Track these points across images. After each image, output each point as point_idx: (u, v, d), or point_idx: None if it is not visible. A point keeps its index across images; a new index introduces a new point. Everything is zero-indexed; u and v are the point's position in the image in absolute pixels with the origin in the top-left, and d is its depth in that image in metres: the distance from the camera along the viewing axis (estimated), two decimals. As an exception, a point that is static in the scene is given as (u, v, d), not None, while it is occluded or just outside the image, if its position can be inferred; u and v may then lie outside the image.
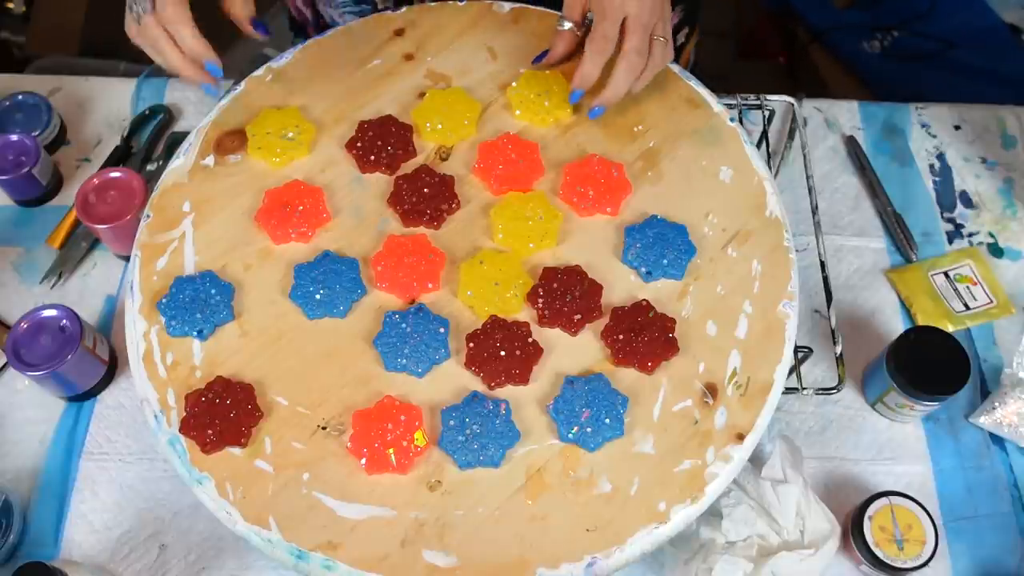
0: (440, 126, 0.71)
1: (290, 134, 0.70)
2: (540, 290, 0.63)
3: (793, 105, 0.85)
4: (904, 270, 0.85)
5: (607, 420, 0.59)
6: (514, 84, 0.72)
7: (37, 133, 0.88)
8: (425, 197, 0.67)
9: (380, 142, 0.69)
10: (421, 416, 0.60)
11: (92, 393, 0.77)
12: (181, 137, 0.91)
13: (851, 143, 0.93)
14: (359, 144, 0.70)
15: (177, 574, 0.70)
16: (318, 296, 0.63)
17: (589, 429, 0.59)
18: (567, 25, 0.71)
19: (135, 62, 1.17)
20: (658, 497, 0.58)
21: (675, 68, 0.74)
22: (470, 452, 0.58)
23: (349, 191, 0.69)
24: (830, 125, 0.94)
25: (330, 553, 0.56)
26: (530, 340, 0.62)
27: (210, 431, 0.59)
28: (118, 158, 0.90)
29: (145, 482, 0.73)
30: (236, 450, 0.59)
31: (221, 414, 0.59)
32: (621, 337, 0.62)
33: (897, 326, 0.82)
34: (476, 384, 0.61)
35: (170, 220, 0.67)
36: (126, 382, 0.78)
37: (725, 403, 0.61)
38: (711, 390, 0.61)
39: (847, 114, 0.95)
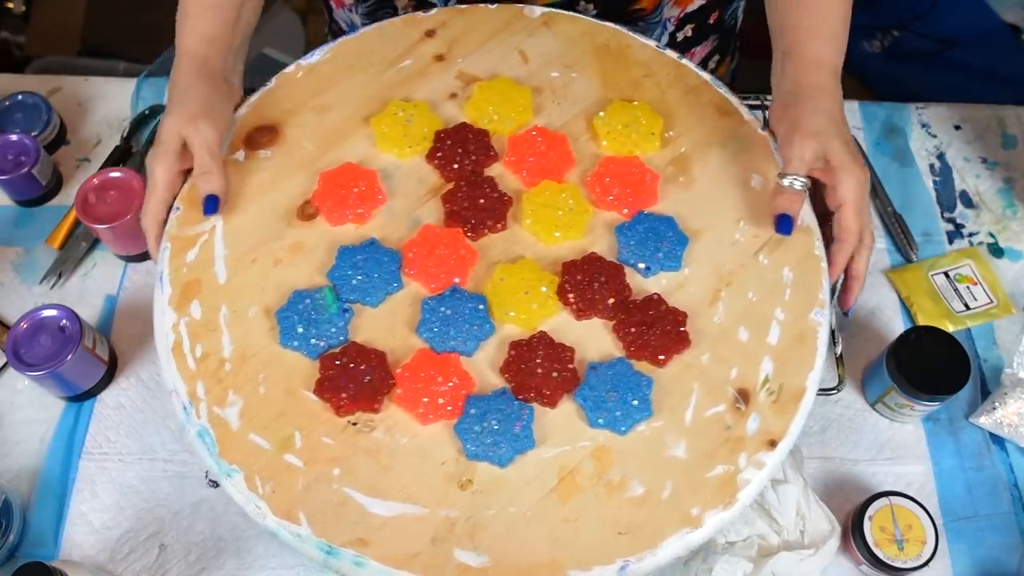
0: (496, 116, 0.71)
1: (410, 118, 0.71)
2: (567, 285, 0.64)
3: (793, 105, 0.85)
4: (904, 270, 0.85)
5: (634, 402, 0.60)
6: (601, 114, 0.72)
7: (37, 133, 0.88)
8: (478, 207, 0.67)
9: (460, 150, 0.69)
10: (472, 389, 0.60)
11: (92, 393, 0.77)
12: (181, 137, 0.91)
13: (851, 143, 0.93)
14: (439, 154, 0.70)
15: (177, 574, 0.70)
16: (355, 281, 0.64)
17: (618, 413, 0.59)
18: (800, 185, 0.66)
19: (135, 62, 1.17)
20: (691, 502, 0.57)
21: (706, 76, 0.75)
22: (481, 445, 0.58)
23: (391, 182, 0.70)
24: (830, 125, 0.94)
25: (361, 550, 0.56)
26: (571, 366, 0.61)
27: (344, 394, 0.59)
28: (118, 158, 0.90)
29: (145, 482, 0.73)
30: (265, 443, 0.59)
31: (356, 378, 0.60)
32: (633, 330, 0.62)
33: (897, 326, 0.82)
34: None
35: (200, 213, 0.67)
36: (126, 382, 0.78)
37: (757, 409, 0.61)
38: (743, 396, 0.61)
39: (847, 114, 0.94)
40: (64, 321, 0.74)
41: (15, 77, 0.98)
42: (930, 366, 0.72)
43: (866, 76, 1.51)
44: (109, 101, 0.95)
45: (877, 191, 0.89)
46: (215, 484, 0.72)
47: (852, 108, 0.95)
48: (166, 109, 0.68)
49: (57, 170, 0.89)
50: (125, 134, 0.91)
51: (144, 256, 0.83)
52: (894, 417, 0.77)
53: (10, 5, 1.55)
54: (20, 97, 0.91)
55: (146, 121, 0.92)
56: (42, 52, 1.50)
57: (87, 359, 0.74)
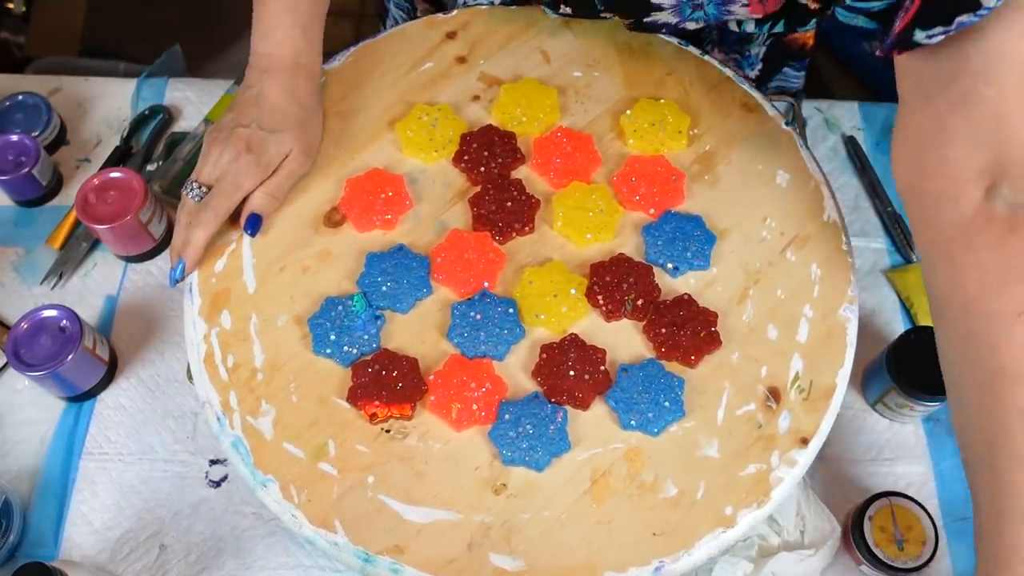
0: (524, 118, 0.71)
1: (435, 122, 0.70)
2: (596, 287, 0.64)
3: (793, 105, 0.85)
4: (904, 270, 0.85)
5: (666, 403, 0.60)
6: (628, 112, 0.72)
7: (37, 133, 0.88)
8: (505, 210, 0.67)
9: (487, 153, 0.69)
10: (505, 394, 0.60)
11: (92, 393, 0.77)
12: (181, 137, 0.91)
13: (851, 143, 0.93)
14: (466, 157, 0.70)
15: (177, 574, 0.70)
16: (385, 288, 0.64)
17: (650, 414, 0.59)
18: None
19: (135, 62, 1.17)
20: (724, 501, 0.58)
21: (729, 72, 0.74)
22: (517, 450, 0.58)
23: (417, 187, 0.69)
24: (830, 125, 0.94)
25: (397, 557, 0.56)
26: (603, 368, 0.61)
27: (377, 401, 0.59)
28: (118, 158, 0.90)
29: (145, 482, 0.73)
30: (299, 452, 0.59)
31: (388, 385, 0.60)
32: (664, 331, 0.62)
33: (897, 326, 0.82)
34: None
35: (227, 223, 0.67)
36: (126, 382, 0.78)
37: (788, 407, 0.61)
38: (774, 394, 0.61)
39: (847, 114, 0.95)
40: (64, 321, 0.74)
41: (15, 77, 0.98)
42: (930, 366, 0.72)
43: (866, 76, 1.51)
44: (109, 101, 0.95)
45: (877, 191, 0.89)
46: (215, 484, 0.72)
47: (852, 108, 0.95)
48: (274, 115, 0.66)
49: (57, 170, 0.89)
50: (125, 134, 0.91)
51: (144, 256, 0.83)
52: (894, 417, 0.77)
53: (10, 5, 1.55)
54: (20, 97, 0.91)
55: (146, 121, 0.92)
56: (42, 52, 1.50)
57: (87, 359, 0.74)
